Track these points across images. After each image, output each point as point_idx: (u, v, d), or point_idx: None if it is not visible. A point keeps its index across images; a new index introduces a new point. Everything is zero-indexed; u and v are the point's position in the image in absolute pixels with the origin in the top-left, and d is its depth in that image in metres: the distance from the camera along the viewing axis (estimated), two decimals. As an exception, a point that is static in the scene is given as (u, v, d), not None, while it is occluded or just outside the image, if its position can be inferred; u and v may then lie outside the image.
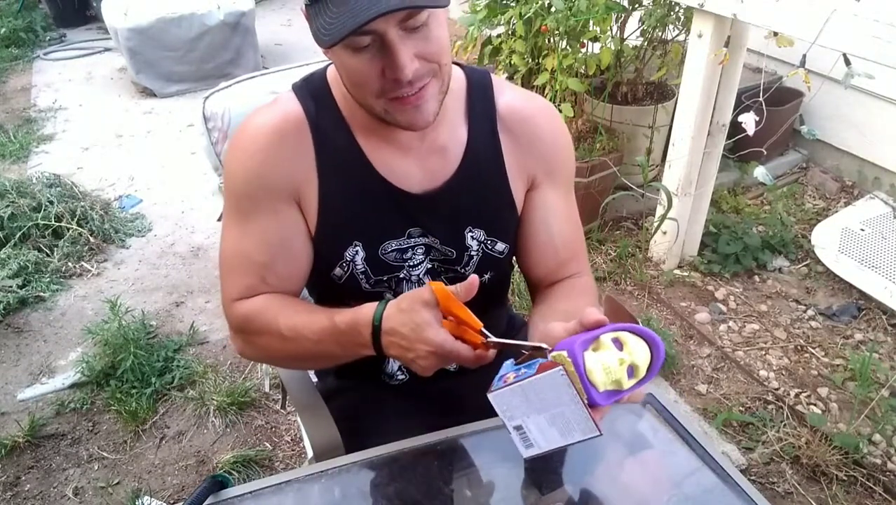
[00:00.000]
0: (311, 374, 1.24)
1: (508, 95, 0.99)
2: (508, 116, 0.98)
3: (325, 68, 0.96)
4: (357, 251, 0.95)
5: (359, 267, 0.96)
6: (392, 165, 0.93)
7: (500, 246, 1.01)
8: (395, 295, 1.00)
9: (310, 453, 1.11)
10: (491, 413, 0.74)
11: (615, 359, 0.69)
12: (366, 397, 1.12)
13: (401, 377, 1.10)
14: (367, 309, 0.82)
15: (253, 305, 0.93)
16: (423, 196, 0.95)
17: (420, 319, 0.77)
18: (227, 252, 0.96)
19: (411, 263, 0.98)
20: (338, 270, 0.96)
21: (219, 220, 1.26)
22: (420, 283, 1.01)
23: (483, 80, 0.98)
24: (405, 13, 0.75)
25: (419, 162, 0.94)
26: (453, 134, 0.95)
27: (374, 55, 0.78)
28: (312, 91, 0.94)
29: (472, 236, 0.99)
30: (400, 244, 0.97)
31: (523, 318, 1.31)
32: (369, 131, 0.92)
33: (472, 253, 0.99)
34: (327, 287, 0.99)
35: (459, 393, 1.12)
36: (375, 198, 0.93)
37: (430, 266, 1.00)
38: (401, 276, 0.99)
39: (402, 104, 0.82)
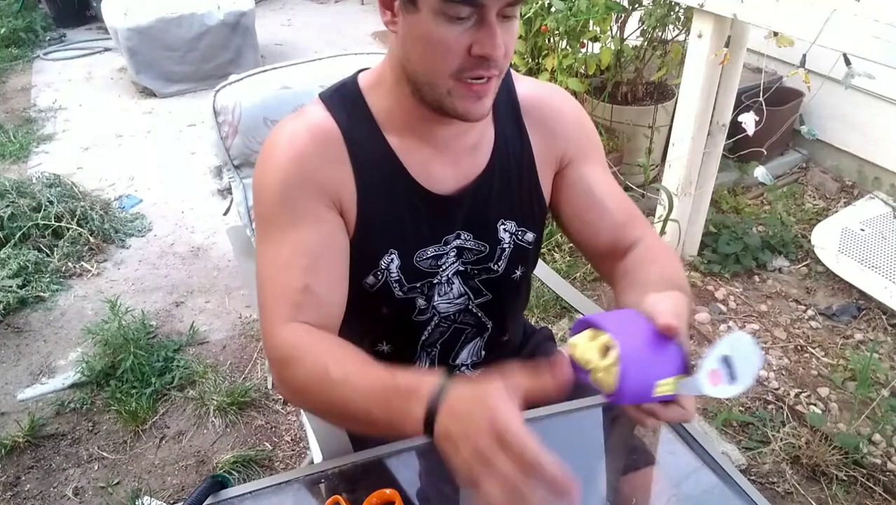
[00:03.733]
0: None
1: (525, 85, 1.01)
2: (530, 104, 0.99)
3: (356, 76, 0.95)
4: (392, 259, 0.94)
5: (393, 275, 0.95)
6: (427, 168, 0.93)
7: (530, 236, 1.02)
8: (427, 299, 0.99)
9: (310, 454, 1.11)
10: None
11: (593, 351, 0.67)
12: None
13: None
14: (432, 374, 0.71)
15: (300, 340, 0.83)
16: (456, 194, 0.95)
17: (488, 390, 0.63)
18: (266, 273, 0.88)
19: (444, 267, 0.98)
20: (370, 279, 0.95)
21: (225, 213, 1.25)
22: (449, 283, 1.00)
23: (505, 75, 0.99)
24: None
25: (453, 162, 0.94)
26: (483, 131, 0.96)
27: (467, 30, 0.78)
28: (344, 100, 0.92)
29: (504, 229, 0.99)
30: (436, 251, 0.96)
31: (535, 324, 1.32)
32: (405, 134, 0.92)
33: (505, 246, 1.00)
34: (358, 295, 0.96)
35: None
36: (412, 206, 0.93)
37: (461, 268, 1.00)
38: (434, 280, 0.99)
39: (469, 90, 0.82)
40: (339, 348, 0.82)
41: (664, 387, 0.64)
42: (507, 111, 0.98)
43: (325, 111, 0.91)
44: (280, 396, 2.03)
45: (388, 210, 0.92)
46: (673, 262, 0.98)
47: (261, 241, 0.91)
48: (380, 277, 0.95)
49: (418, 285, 0.98)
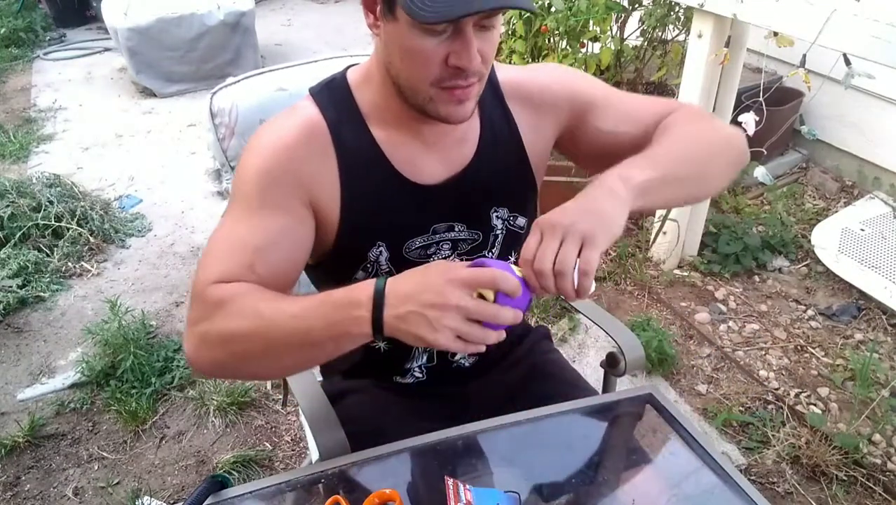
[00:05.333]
0: (317, 373, 1.24)
1: (505, 71, 1.02)
2: (512, 88, 1.00)
3: (345, 71, 0.96)
4: (381, 251, 0.95)
5: (383, 267, 0.96)
6: (414, 162, 0.94)
7: (521, 221, 1.03)
8: None
9: (311, 454, 1.11)
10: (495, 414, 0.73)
11: None
12: (374, 400, 1.11)
13: (418, 375, 1.10)
14: (369, 281, 0.74)
15: (232, 288, 0.81)
16: (446, 184, 0.96)
17: (434, 262, 0.75)
18: (217, 240, 0.88)
19: (434, 258, 0.99)
20: (360, 274, 0.96)
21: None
22: None
23: None
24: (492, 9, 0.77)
25: (441, 155, 0.96)
26: (470, 122, 0.97)
27: (443, 41, 0.79)
28: (333, 96, 0.94)
29: (497, 216, 1.00)
30: (424, 241, 0.97)
31: (534, 324, 1.32)
32: (393, 129, 0.93)
33: (497, 232, 1.01)
34: None
35: (469, 399, 1.12)
36: (398, 198, 0.94)
37: (456, 260, 1.01)
38: None
39: (450, 95, 0.84)
40: (267, 291, 0.82)
41: (518, 271, 0.76)
42: (492, 99, 0.99)
43: (314, 106, 0.93)
44: (280, 396, 2.03)
45: (373, 203, 0.93)
46: (677, 126, 0.93)
47: (225, 214, 0.91)
48: (370, 271, 0.96)
49: None
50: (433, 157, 0.95)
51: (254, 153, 0.90)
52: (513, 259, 1.04)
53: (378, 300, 0.72)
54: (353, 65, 0.97)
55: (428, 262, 0.98)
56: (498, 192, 0.99)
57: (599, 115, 1.00)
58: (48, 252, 2.62)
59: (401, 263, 0.96)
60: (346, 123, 0.92)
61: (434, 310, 0.69)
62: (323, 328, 0.75)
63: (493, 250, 1.02)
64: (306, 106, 0.93)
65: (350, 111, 0.93)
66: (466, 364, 1.11)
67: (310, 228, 0.91)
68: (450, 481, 0.82)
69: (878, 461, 1.81)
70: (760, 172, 2.12)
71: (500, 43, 2.67)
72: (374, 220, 0.94)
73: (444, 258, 0.99)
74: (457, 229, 0.98)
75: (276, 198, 0.88)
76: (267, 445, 1.92)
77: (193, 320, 0.83)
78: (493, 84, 0.99)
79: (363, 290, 0.73)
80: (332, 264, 0.97)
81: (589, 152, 1.04)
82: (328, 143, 0.91)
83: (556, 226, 0.74)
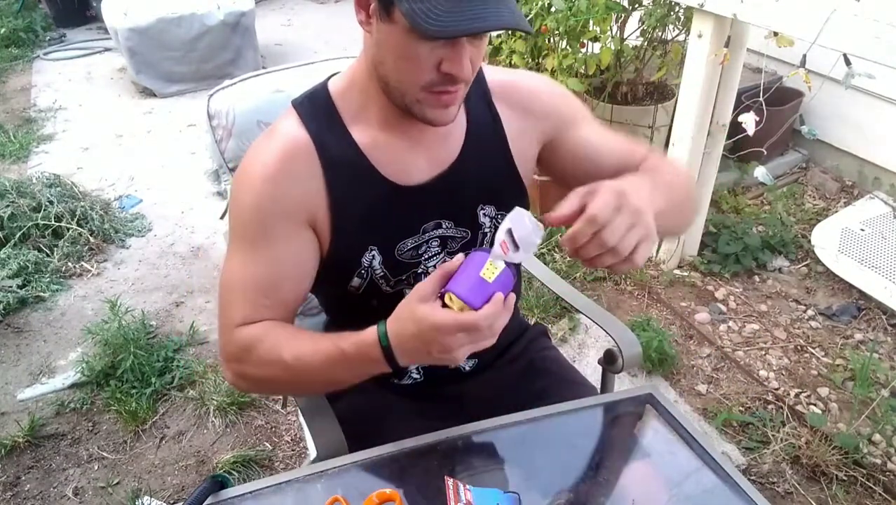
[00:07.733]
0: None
1: (495, 72, 1.03)
2: (500, 89, 1.01)
3: (326, 82, 0.97)
4: (374, 255, 0.96)
5: (377, 272, 0.97)
6: (399, 164, 0.94)
7: None
8: None
9: (311, 454, 1.11)
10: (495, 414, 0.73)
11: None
12: (373, 399, 1.12)
13: (415, 376, 1.11)
14: (370, 333, 0.82)
15: (254, 332, 0.90)
16: (432, 183, 0.96)
17: (420, 313, 0.77)
18: (230, 279, 0.94)
19: (426, 256, 0.99)
20: (356, 280, 0.97)
21: (222, 217, 1.26)
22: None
23: None
24: None
25: (426, 152, 0.96)
26: (456, 120, 0.97)
27: (437, 47, 0.80)
28: (315, 108, 0.94)
29: (484, 214, 1.01)
30: (415, 241, 0.98)
31: (526, 318, 1.32)
32: (377, 131, 0.93)
33: (486, 230, 1.01)
34: (346, 302, 0.99)
35: (467, 396, 1.12)
36: (384, 201, 0.94)
37: (447, 259, 1.00)
38: (418, 270, 1.00)
39: (437, 99, 0.85)
40: (285, 337, 0.90)
41: (487, 271, 0.79)
42: (479, 98, 0.99)
43: (297, 122, 0.93)
44: (279, 397, 2.03)
45: (362, 210, 0.94)
46: (665, 167, 0.99)
47: (231, 250, 0.94)
48: (365, 277, 0.96)
49: (404, 277, 0.99)
50: (418, 155, 0.95)
51: (245, 188, 0.92)
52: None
53: (389, 357, 0.81)
54: (335, 74, 0.98)
55: (420, 261, 0.99)
56: (484, 189, 1.00)
57: (580, 135, 1.03)
58: (48, 252, 2.62)
59: (394, 266, 0.97)
60: (329, 134, 0.93)
61: (444, 354, 0.78)
62: (346, 374, 0.87)
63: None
64: (289, 123, 0.94)
65: (331, 120, 0.93)
66: (466, 368, 1.11)
67: (314, 249, 0.94)
68: (450, 481, 0.82)
69: (878, 461, 1.81)
70: (760, 172, 2.12)
71: (501, 43, 2.68)
72: (364, 227, 0.94)
73: (433, 255, 1.00)
74: (444, 226, 0.99)
75: (275, 229, 0.91)
76: (267, 445, 1.92)
77: (227, 357, 0.94)
78: (481, 84, 1.00)
79: (372, 346, 0.81)
80: (327, 272, 0.97)
81: (565, 168, 1.05)
82: (313, 157, 0.92)
83: (635, 210, 0.75)
